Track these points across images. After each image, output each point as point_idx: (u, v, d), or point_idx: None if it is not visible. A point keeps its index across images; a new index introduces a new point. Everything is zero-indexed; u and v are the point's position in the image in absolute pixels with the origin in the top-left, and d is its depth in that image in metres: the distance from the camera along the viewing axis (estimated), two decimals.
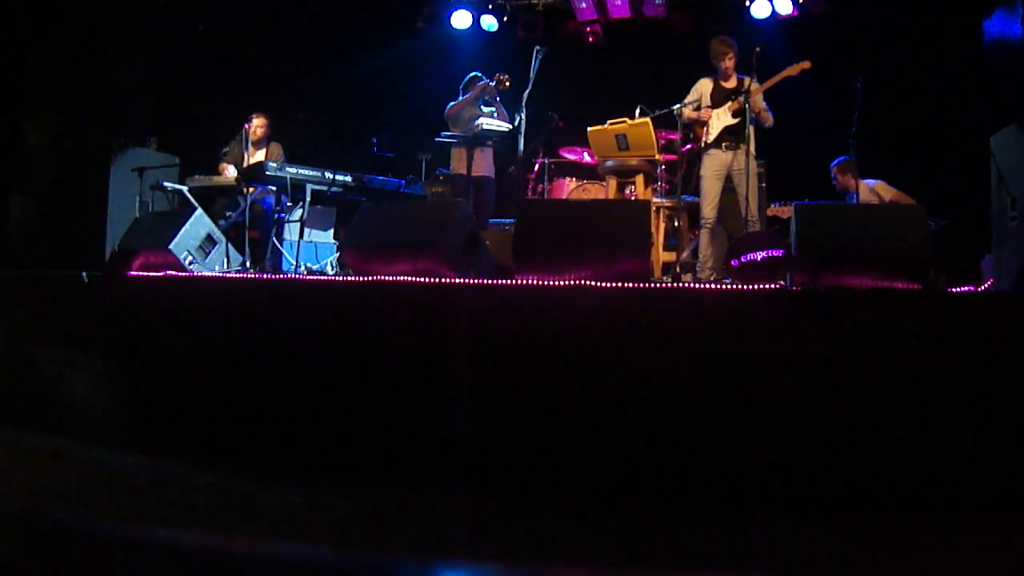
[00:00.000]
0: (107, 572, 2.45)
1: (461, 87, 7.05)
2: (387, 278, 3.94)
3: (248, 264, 5.79)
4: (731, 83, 6.07)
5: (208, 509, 3.16)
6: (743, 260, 4.80)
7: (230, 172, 6.53)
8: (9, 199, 5.42)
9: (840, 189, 6.63)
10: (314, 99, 8.16)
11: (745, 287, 3.59)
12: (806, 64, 5.79)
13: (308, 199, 6.22)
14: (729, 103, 5.93)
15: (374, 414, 3.69)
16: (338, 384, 3.77)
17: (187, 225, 4.70)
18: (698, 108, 6.09)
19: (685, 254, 6.70)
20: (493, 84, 6.77)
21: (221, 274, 4.85)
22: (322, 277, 4.31)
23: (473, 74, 7.03)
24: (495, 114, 6.95)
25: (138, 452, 3.93)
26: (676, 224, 6.93)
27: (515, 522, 3.06)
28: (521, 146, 6.45)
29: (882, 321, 3.29)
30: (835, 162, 6.65)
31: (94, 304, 4.38)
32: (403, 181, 6.46)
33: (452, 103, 6.96)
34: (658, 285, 4.91)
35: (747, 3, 8.19)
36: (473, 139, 6.50)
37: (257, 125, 6.86)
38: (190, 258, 4.65)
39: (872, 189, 6.46)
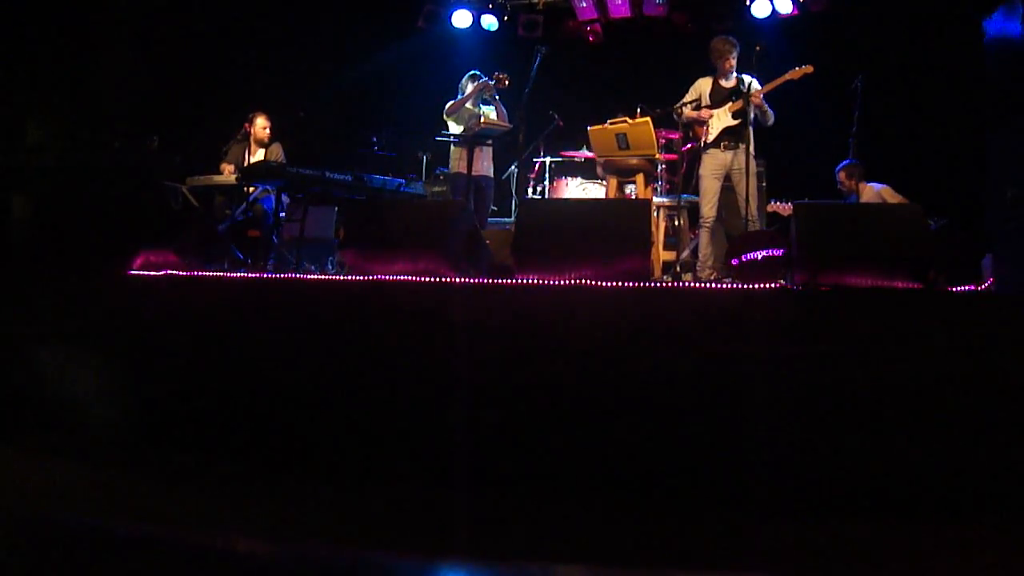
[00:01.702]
0: (107, 572, 2.45)
1: (459, 85, 7.05)
2: (387, 278, 3.94)
3: (248, 264, 5.79)
4: (731, 83, 6.06)
5: (208, 509, 3.16)
6: (743, 259, 4.80)
7: (230, 172, 6.53)
8: (9, 199, 5.42)
9: (846, 192, 6.63)
10: (314, 99, 8.15)
11: (745, 286, 3.60)
12: (808, 69, 5.79)
13: (308, 199, 6.23)
14: (729, 104, 5.93)
15: (374, 413, 3.69)
16: (338, 383, 3.77)
17: None
18: (697, 107, 6.09)
19: (685, 253, 6.70)
20: (492, 83, 6.77)
21: (221, 274, 4.84)
22: (322, 277, 4.31)
23: (472, 72, 7.02)
24: (494, 113, 6.94)
25: (138, 452, 3.94)
26: (676, 223, 6.93)
27: (515, 522, 3.06)
28: (521, 145, 6.46)
29: (882, 321, 3.30)
30: (840, 166, 6.64)
31: (94, 304, 4.38)
32: (403, 181, 6.46)
33: (451, 101, 6.95)
34: (658, 284, 4.91)
35: (747, 2, 8.19)
36: (473, 138, 6.50)
37: (262, 126, 6.85)
38: None
39: (878, 193, 6.47)
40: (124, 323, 4.25)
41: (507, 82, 6.70)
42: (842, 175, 6.63)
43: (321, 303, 3.97)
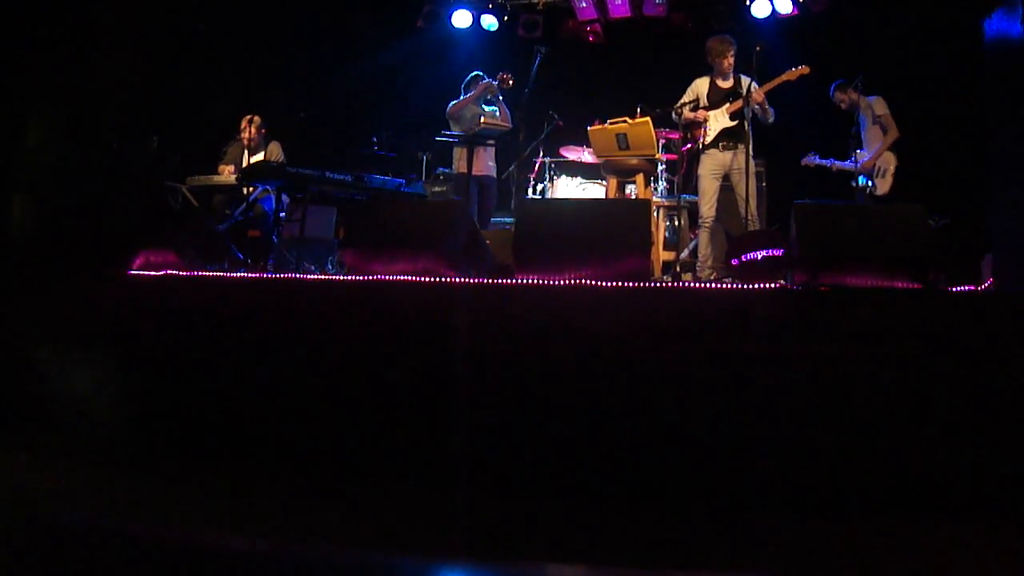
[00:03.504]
0: (107, 572, 2.45)
1: (463, 86, 7.04)
2: (387, 278, 3.94)
3: (248, 264, 5.79)
4: (728, 83, 6.06)
5: (208, 509, 3.16)
6: (743, 259, 4.80)
7: (229, 172, 6.53)
8: (9, 199, 5.42)
9: (845, 106, 6.73)
10: (314, 98, 8.15)
11: (745, 286, 3.59)
12: (805, 69, 5.80)
13: (308, 198, 6.23)
14: (727, 105, 5.93)
15: (374, 413, 3.69)
16: (338, 383, 3.77)
17: None
18: (695, 108, 6.09)
19: (685, 253, 6.71)
20: (496, 83, 6.76)
21: (221, 274, 4.84)
22: (322, 277, 4.31)
23: (475, 73, 7.03)
24: (497, 113, 6.94)
25: (138, 452, 3.94)
26: (676, 223, 6.94)
27: (515, 522, 3.06)
28: (521, 145, 6.47)
29: (882, 321, 3.30)
30: (832, 88, 6.74)
31: (94, 304, 4.38)
32: (403, 180, 6.46)
33: (454, 102, 6.95)
34: (658, 284, 4.91)
35: (747, 2, 8.19)
36: (473, 138, 6.50)
37: (249, 136, 6.84)
38: None
39: (871, 104, 6.59)
40: (124, 323, 4.25)
41: (511, 82, 6.70)
42: (838, 95, 6.72)
43: (321, 303, 3.97)
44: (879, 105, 6.52)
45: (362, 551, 2.75)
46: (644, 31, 8.88)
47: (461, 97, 6.96)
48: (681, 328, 3.42)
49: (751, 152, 5.88)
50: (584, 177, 7.55)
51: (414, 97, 8.62)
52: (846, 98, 6.68)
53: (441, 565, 2.69)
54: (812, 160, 6.96)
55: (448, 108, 6.95)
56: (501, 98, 6.95)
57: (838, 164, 6.76)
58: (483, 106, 6.95)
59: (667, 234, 6.92)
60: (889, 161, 6.48)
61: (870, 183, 6.53)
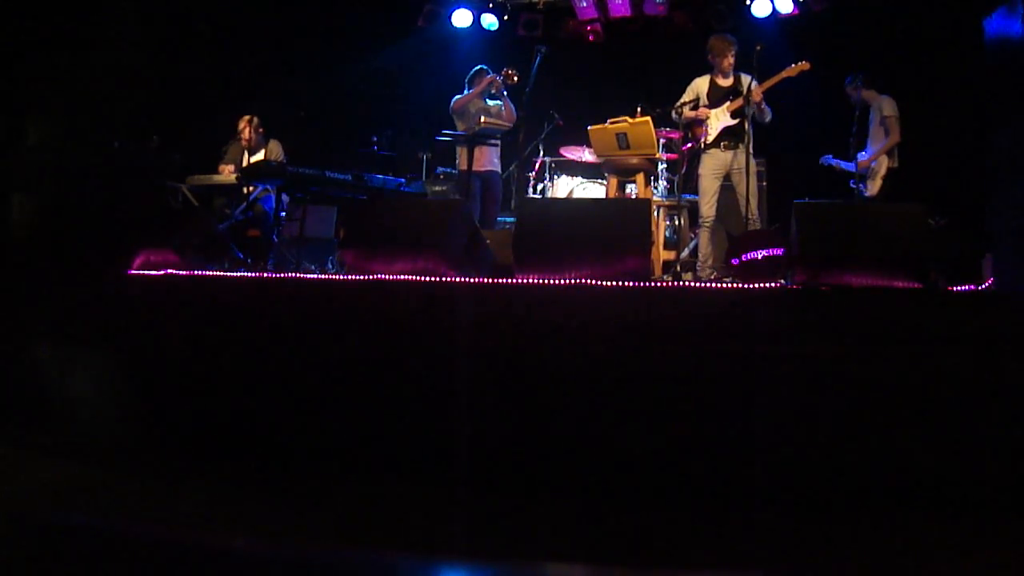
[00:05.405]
0: (107, 572, 2.45)
1: (467, 80, 7.01)
2: (387, 277, 3.94)
3: (248, 264, 5.79)
4: (728, 81, 6.06)
5: (208, 509, 3.17)
6: (743, 259, 4.80)
7: (229, 172, 6.53)
8: (9, 199, 5.42)
9: (856, 101, 6.68)
10: (314, 98, 8.16)
11: (745, 286, 3.60)
12: (805, 65, 5.80)
13: (308, 198, 6.24)
14: (728, 103, 5.93)
15: (374, 413, 3.69)
16: (338, 383, 3.77)
17: None
18: (695, 108, 6.09)
19: (685, 253, 6.71)
20: (500, 78, 6.73)
21: (221, 274, 4.84)
22: (322, 277, 4.31)
23: (479, 67, 6.97)
24: (502, 108, 6.90)
25: (138, 451, 3.94)
26: (676, 223, 6.94)
27: (515, 522, 3.06)
28: (521, 145, 6.46)
29: (882, 321, 3.30)
30: (848, 82, 6.73)
31: (94, 304, 4.38)
32: (403, 180, 6.46)
33: (458, 96, 6.90)
34: (658, 284, 4.91)
35: (748, 2, 8.19)
36: (474, 137, 6.49)
37: (247, 136, 6.83)
38: None
39: (880, 104, 6.60)
40: (124, 323, 4.25)
41: (516, 78, 6.64)
42: (849, 89, 6.69)
43: (321, 303, 3.97)
44: (888, 106, 6.51)
45: (362, 551, 2.75)
46: (644, 31, 8.87)
47: (465, 92, 6.93)
48: (681, 328, 3.42)
49: (752, 151, 5.88)
50: (584, 177, 7.54)
51: (414, 96, 8.61)
52: (855, 93, 6.67)
53: (441, 565, 2.69)
54: (828, 161, 6.95)
55: (452, 103, 6.91)
56: (505, 93, 6.91)
57: (843, 165, 6.78)
58: (487, 101, 6.90)
59: (667, 234, 6.92)
60: (881, 163, 6.48)
61: (861, 185, 6.54)
